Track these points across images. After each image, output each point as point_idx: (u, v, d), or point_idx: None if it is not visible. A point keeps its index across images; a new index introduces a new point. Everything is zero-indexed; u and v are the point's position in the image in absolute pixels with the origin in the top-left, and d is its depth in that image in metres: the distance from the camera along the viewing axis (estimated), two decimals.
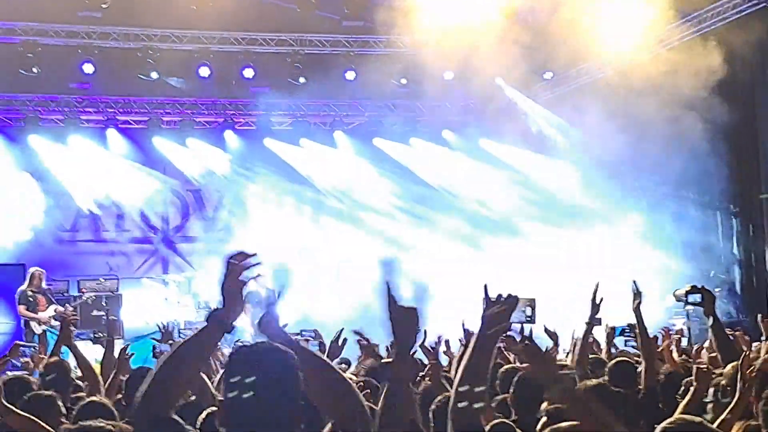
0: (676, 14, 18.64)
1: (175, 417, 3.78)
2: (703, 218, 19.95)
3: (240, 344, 3.67)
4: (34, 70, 20.47)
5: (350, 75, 22.26)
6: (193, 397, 6.40)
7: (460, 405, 4.11)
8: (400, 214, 23.94)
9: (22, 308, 17.97)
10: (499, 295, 4.40)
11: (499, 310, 4.33)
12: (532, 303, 6.71)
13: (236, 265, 3.67)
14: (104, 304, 19.72)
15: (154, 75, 21.24)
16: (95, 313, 19.40)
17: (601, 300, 7.96)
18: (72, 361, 8.91)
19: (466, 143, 24.41)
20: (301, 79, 22.02)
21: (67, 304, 18.52)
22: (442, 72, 22.18)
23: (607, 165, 20.24)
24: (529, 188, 23.08)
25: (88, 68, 20.91)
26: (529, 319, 6.78)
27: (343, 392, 3.87)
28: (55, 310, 17.91)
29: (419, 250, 22.46)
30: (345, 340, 9.00)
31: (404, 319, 3.85)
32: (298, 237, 22.78)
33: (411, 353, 3.96)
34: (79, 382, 8.56)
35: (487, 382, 4.25)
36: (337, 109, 24.32)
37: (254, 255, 3.69)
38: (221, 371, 8.46)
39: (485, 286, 4.48)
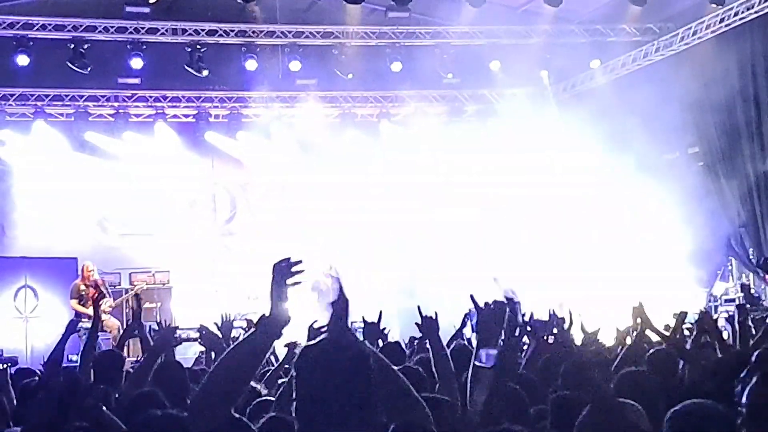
0: None
1: (235, 414, 3.83)
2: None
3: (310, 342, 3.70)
4: (84, 65, 20.69)
5: (396, 66, 22.23)
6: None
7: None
8: (437, 204, 23.62)
9: (74, 302, 18.15)
10: (486, 303, 4.45)
11: (493, 317, 4.40)
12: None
13: (283, 271, 3.72)
14: (156, 297, 19.95)
15: (204, 73, 21.38)
16: (147, 305, 19.61)
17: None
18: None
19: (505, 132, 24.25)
20: (349, 75, 22.06)
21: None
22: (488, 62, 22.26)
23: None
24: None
25: (137, 63, 21.08)
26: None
27: (405, 394, 3.84)
28: (107, 305, 17.99)
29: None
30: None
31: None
32: (345, 232, 22.79)
33: None
34: None
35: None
36: (383, 100, 24.36)
37: (300, 262, 3.73)
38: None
39: (472, 296, 4.56)
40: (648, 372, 6.75)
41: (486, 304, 4.49)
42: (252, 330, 3.74)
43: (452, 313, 10.45)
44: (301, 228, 22.68)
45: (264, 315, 3.71)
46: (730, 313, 18.54)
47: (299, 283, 3.70)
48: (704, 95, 19.65)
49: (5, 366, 7.29)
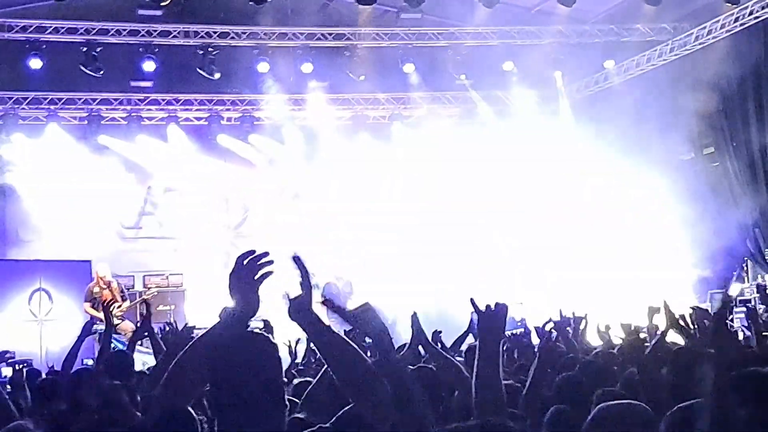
0: None
1: (190, 409, 3.80)
2: None
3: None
4: (97, 68, 20.69)
5: (408, 68, 22.20)
6: None
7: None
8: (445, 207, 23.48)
9: (87, 305, 18.09)
10: (488, 306, 4.42)
11: (493, 320, 4.37)
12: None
13: (248, 265, 3.63)
14: (170, 299, 19.93)
15: (217, 75, 21.39)
16: (161, 308, 19.62)
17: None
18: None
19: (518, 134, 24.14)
20: (361, 77, 22.04)
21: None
22: (501, 63, 22.18)
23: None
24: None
25: (149, 66, 21.10)
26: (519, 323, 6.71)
27: (369, 379, 3.72)
28: (118, 308, 17.86)
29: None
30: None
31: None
32: (356, 234, 22.75)
33: None
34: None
35: (501, 389, 4.30)
36: (395, 102, 24.28)
37: (266, 254, 3.64)
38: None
39: (472, 300, 4.54)
40: (670, 373, 6.65)
41: (487, 306, 4.44)
42: (213, 325, 3.71)
43: (462, 312, 10.39)
44: (313, 230, 22.62)
45: (225, 308, 3.65)
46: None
47: (269, 274, 3.61)
48: (719, 95, 19.55)
49: (21, 367, 7.29)
